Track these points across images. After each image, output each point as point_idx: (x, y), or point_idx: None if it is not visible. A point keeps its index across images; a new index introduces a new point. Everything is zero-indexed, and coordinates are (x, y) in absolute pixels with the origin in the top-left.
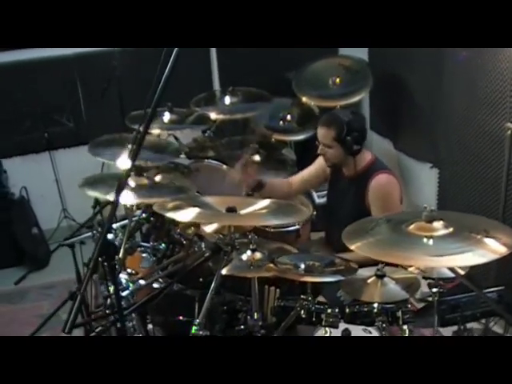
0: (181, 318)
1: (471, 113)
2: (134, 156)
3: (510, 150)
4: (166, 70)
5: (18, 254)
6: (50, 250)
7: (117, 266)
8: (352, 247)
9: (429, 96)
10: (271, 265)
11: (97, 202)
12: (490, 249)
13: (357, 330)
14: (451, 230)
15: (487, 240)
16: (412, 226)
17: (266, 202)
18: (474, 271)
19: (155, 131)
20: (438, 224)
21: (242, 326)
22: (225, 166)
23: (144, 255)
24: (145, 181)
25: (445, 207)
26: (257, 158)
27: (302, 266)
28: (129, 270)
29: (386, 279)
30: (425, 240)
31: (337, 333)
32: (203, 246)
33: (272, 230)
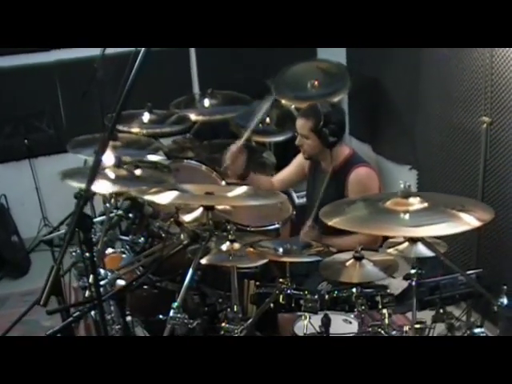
0: (161, 316)
1: (448, 112)
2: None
3: (485, 144)
4: (133, 71)
5: None
6: (29, 258)
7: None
8: (330, 223)
9: (406, 98)
10: (251, 249)
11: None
12: (465, 221)
13: (337, 320)
14: (426, 204)
15: (462, 214)
16: (388, 202)
17: (243, 189)
18: (453, 255)
19: (135, 130)
20: (414, 200)
21: (223, 324)
22: (204, 167)
23: (124, 256)
24: (124, 172)
25: None
26: None
27: (281, 249)
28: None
29: (364, 261)
30: (401, 215)
31: (316, 320)
32: (182, 236)
33: (251, 228)
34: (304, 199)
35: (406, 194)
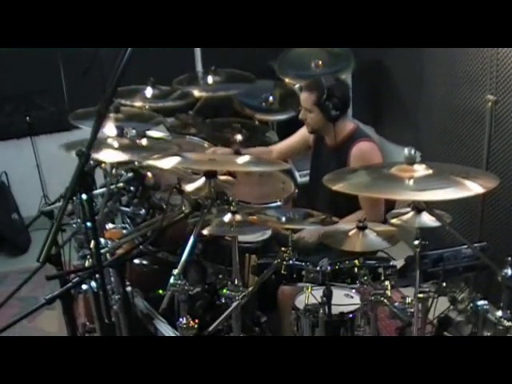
0: (161, 292)
1: (451, 93)
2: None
3: (490, 122)
4: (119, 69)
5: None
6: (29, 236)
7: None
8: (334, 187)
9: (409, 80)
10: (253, 217)
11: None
12: (469, 188)
13: (338, 295)
14: (431, 171)
15: (466, 181)
16: (393, 169)
17: (246, 158)
18: (457, 228)
19: (137, 104)
20: (418, 166)
21: (223, 300)
22: (206, 143)
23: (125, 231)
24: (127, 141)
25: None
26: (239, 137)
27: (283, 217)
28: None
29: (367, 231)
30: (406, 181)
31: (318, 292)
32: (183, 206)
33: (253, 206)
34: (306, 178)
35: (411, 161)
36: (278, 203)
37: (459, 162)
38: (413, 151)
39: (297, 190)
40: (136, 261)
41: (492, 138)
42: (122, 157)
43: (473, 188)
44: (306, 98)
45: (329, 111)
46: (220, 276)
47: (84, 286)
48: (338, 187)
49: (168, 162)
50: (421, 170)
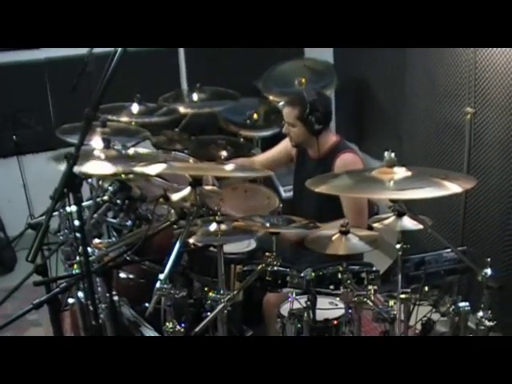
0: (147, 304)
1: (433, 107)
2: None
3: (470, 134)
4: (109, 71)
5: None
6: (15, 254)
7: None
8: (317, 190)
9: (392, 96)
10: (239, 222)
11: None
12: (447, 188)
13: (323, 304)
14: (411, 173)
15: (445, 182)
16: (374, 172)
17: (230, 166)
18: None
19: (124, 119)
20: (398, 169)
21: (209, 313)
22: (192, 159)
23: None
24: (114, 152)
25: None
26: (224, 153)
27: (267, 223)
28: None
29: (349, 235)
30: (386, 182)
31: (303, 299)
32: (169, 214)
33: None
34: (290, 193)
35: (391, 164)
36: None
37: None
38: (392, 154)
39: (281, 205)
40: (122, 274)
41: (472, 149)
42: (108, 168)
43: (451, 188)
44: (288, 112)
45: (312, 125)
46: (206, 289)
47: (70, 300)
48: (320, 189)
49: (155, 169)
50: (401, 172)
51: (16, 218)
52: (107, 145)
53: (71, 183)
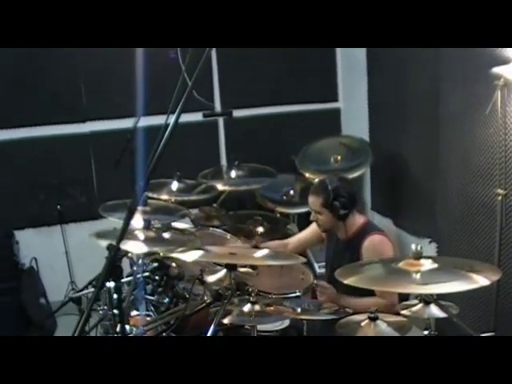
0: None
1: (466, 185)
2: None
3: (501, 215)
4: (161, 144)
5: (24, 323)
6: (55, 320)
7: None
8: (346, 281)
9: (426, 172)
10: (271, 307)
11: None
12: (473, 280)
13: None
14: (437, 265)
15: (471, 274)
16: (401, 263)
17: (265, 251)
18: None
19: (164, 197)
20: (425, 261)
21: None
22: (229, 235)
23: (149, 319)
24: (153, 234)
25: None
26: (260, 229)
27: (299, 308)
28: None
29: (378, 321)
30: (413, 274)
31: None
32: (205, 296)
33: (273, 296)
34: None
35: (418, 256)
36: (298, 293)
37: (473, 252)
38: (419, 247)
39: (316, 281)
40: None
41: (503, 230)
42: (147, 248)
43: (477, 280)
44: (313, 201)
45: (337, 211)
46: None
47: None
48: (349, 281)
49: (190, 256)
50: (427, 264)
51: (57, 284)
52: (147, 225)
53: (113, 273)
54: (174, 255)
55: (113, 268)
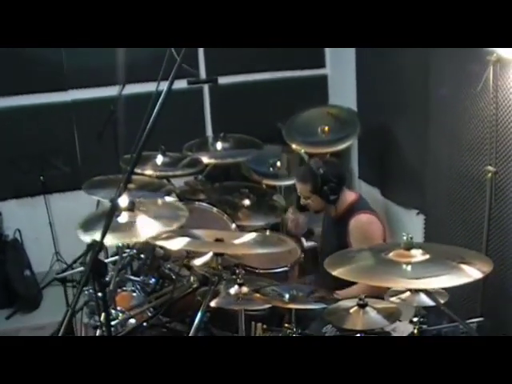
0: None
1: (455, 160)
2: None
3: (490, 192)
4: (154, 112)
5: (9, 295)
6: (41, 292)
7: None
8: (334, 273)
9: (415, 144)
10: (258, 294)
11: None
12: (465, 273)
13: None
14: (428, 256)
15: (463, 266)
16: (391, 254)
17: (252, 235)
18: (458, 302)
19: (148, 172)
20: (415, 251)
21: None
22: (215, 209)
23: (134, 294)
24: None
25: None
26: (247, 202)
27: (287, 295)
28: (119, 308)
29: (367, 308)
30: (403, 266)
31: None
32: (192, 279)
33: (260, 271)
34: (312, 243)
35: (409, 246)
36: (285, 268)
37: (461, 225)
38: (410, 237)
39: (303, 255)
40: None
41: (492, 206)
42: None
43: (469, 273)
44: (302, 188)
45: (327, 195)
46: None
47: None
48: (337, 273)
49: (176, 244)
50: (418, 255)
51: (42, 255)
52: (131, 207)
53: (96, 270)
54: (159, 243)
55: (96, 264)
